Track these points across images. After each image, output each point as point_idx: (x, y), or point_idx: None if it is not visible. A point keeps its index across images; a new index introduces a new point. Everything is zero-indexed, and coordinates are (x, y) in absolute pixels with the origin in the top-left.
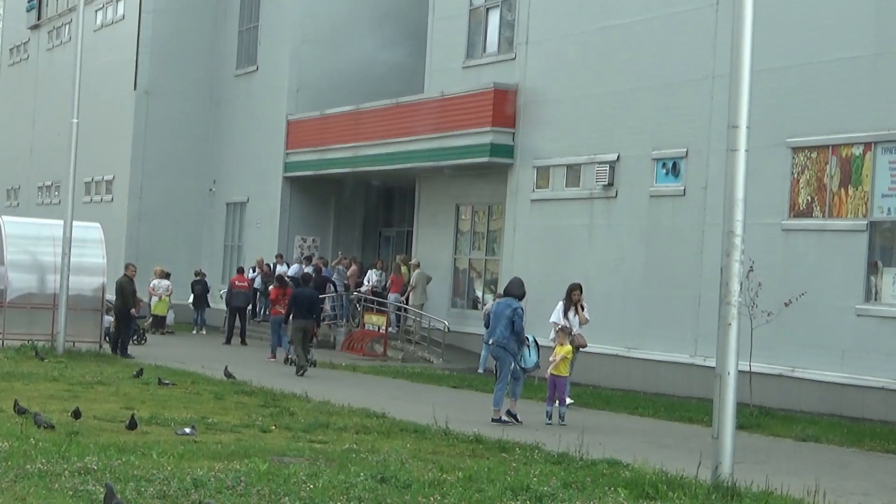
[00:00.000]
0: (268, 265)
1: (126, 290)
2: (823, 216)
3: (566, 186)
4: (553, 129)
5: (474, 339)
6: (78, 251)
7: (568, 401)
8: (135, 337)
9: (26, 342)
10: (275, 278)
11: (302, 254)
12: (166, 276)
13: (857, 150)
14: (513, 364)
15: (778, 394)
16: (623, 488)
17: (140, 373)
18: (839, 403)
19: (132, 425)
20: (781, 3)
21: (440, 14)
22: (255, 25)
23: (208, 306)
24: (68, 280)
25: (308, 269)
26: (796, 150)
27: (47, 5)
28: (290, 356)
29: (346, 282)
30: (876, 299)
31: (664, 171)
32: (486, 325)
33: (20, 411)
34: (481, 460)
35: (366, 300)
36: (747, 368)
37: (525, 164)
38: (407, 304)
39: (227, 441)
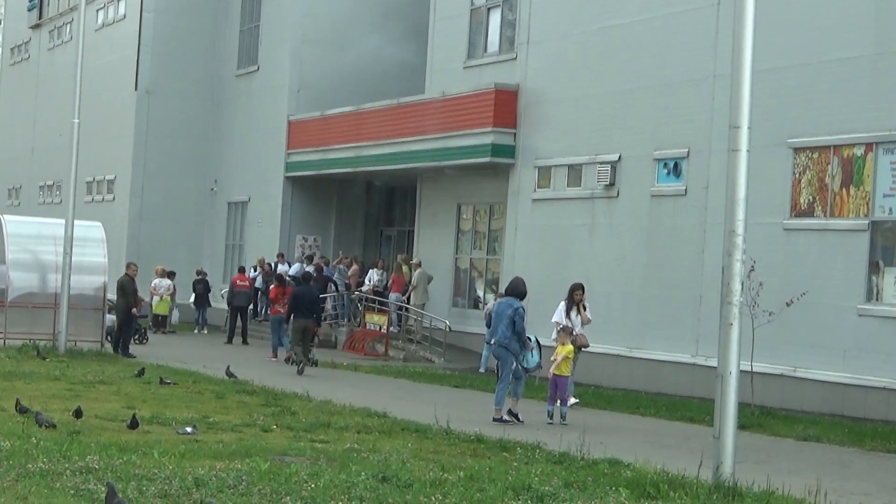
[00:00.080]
0: (269, 265)
1: (127, 289)
2: (825, 216)
3: (567, 186)
4: (554, 128)
5: (475, 338)
6: (79, 250)
7: (573, 400)
8: (136, 336)
9: (28, 341)
10: (274, 277)
11: (303, 253)
12: (171, 275)
13: (859, 151)
14: (514, 364)
15: (779, 393)
16: (624, 488)
17: (141, 372)
18: (840, 403)
19: (133, 424)
20: (782, 3)
21: (441, 14)
22: (255, 25)
23: (209, 306)
24: (70, 279)
25: (309, 269)
26: (797, 150)
27: (48, 5)
28: (290, 355)
29: (347, 281)
30: (877, 299)
31: (665, 171)
32: (488, 325)
33: (22, 410)
34: (483, 460)
35: (367, 300)
36: (749, 368)
37: (526, 163)
38: (408, 303)
39: (228, 440)
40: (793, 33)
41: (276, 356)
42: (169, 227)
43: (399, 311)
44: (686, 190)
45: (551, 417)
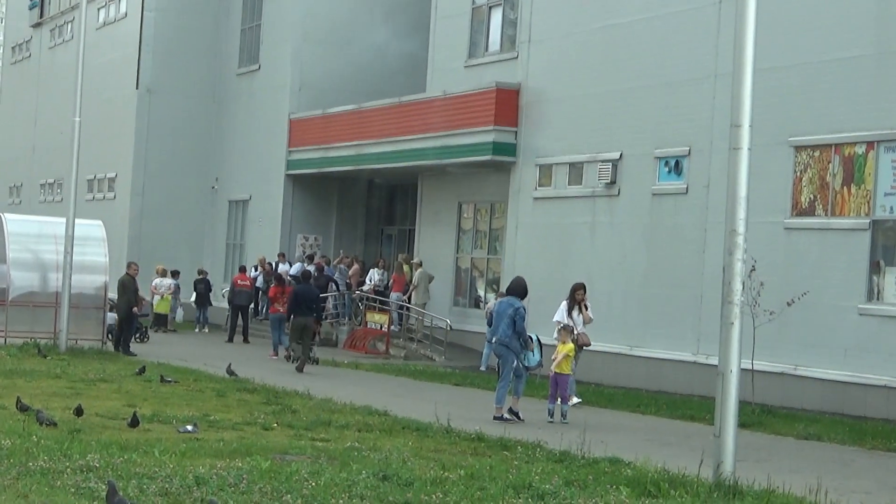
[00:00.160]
0: (270, 264)
1: (128, 288)
2: (826, 215)
3: (568, 185)
4: (555, 127)
5: (476, 337)
6: (80, 249)
7: (576, 400)
8: (137, 335)
9: (29, 340)
10: (273, 277)
11: (304, 252)
12: (175, 274)
13: (860, 149)
14: (515, 362)
15: (780, 392)
16: (625, 486)
17: (142, 370)
18: (841, 402)
19: (134, 423)
20: (784, 2)
21: (442, 13)
22: (257, 24)
23: (210, 305)
24: (70, 278)
25: (310, 268)
26: (799, 148)
27: (49, 3)
28: (289, 352)
29: (347, 281)
30: (878, 298)
31: (667, 169)
32: (489, 324)
33: (22, 409)
34: (483, 458)
35: (368, 299)
36: (749, 367)
37: (527, 162)
38: (409, 302)
39: (229, 439)
40: (794, 32)
41: (276, 354)
42: (170, 226)
43: (400, 311)
44: (687, 188)
45: (552, 416)
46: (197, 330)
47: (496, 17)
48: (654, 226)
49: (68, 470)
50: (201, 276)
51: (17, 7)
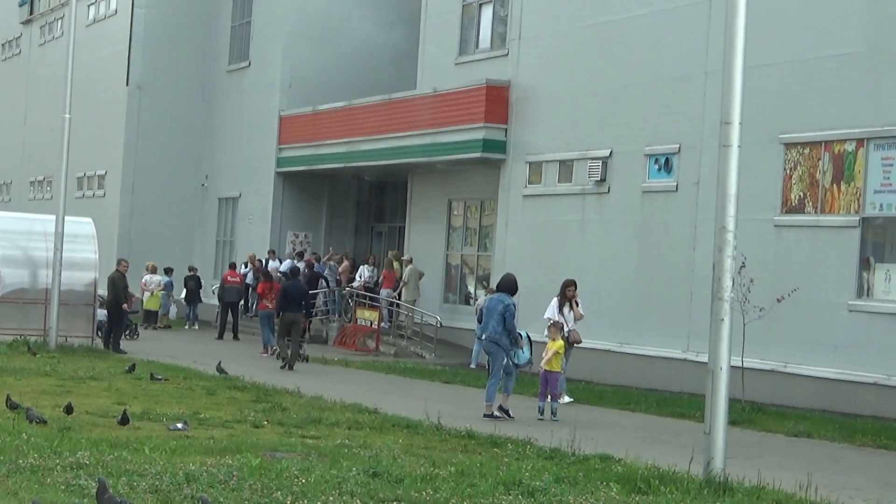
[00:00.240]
0: (260, 261)
1: (118, 285)
2: (816, 212)
3: (558, 182)
4: (546, 124)
5: (466, 334)
6: (70, 246)
7: (567, 399)
8: (127, 332)
9: (18, 337)
10: (260, 273)
11: (294, 249)
12: (168, 271)
13: (850, 147)
14: (505, 359)
15: (770, 389)
16: (615, 483)
17: (132, 368)
18: (831, 399)
19: (124, 420)
20: None
21: (433, 10)
22: (247, 21)
23: (200, 302)
24: (60, 275)
25: (300, 265)
26: (789, 146)
27: (39, 0)
28: (273, 349)
29: (338, 277)
30: (868, 295)
31: (657, 166)
32: (479, 321)
33: (12, 406)
34: (473, 455)
35: (358, 296)
36: (739, 364)
37: (517, 159)
38: (399, 299)
39: (219, 436)
40: (784, 29)
41: (266, 352)
42: (160, 223)
43: (390, 307)
44: (677, 186)
45: (542, 413)
46: (187, 327)
47: (487, 14)
48: (644, 223)
49: (58, 467)
50: (192, 274)
51: (6, 4)
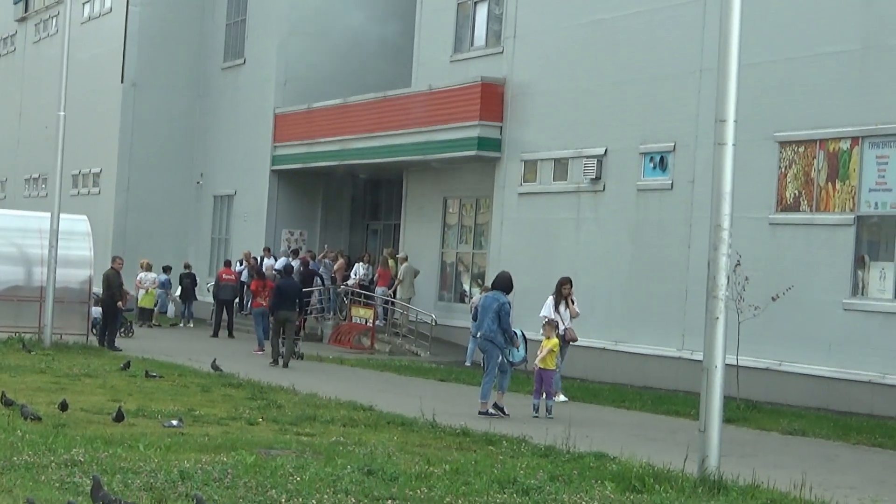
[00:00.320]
0: (255, 258)
1: (113, 282)
2: (811, 210)
3: (553, 180)
4: (540, 122)
5: (461, 332)
6: (65, 244)
7: (562, 398)
8: (122, 329)
9: (13, 334)
10: (254, 271)
11: (289, 247)
12: (167, 270)
13: (845, 145)
14: (500, 357)
15: (765, 387)
16: (610, 481)
17: (127, 365)
18: (826, 397)
19: (119, 417)
20: None
21: (428, 7)
22: (242, 18)
23: (196, 299)
24: (55, 273)
25: (295, 263)
26: (784, 144)
27: None
28: (263, 349)
29: (333, 275)
30: (863, 293)
31: (652, 164)
32: (474, 319)
33: (7, 403)
34: (468, 453)
35: (353, 293)
36: (734, 362)
37: (512, 157)
38: (394, 297)
39: (214, 433)
40: (779, 27)
41: (262, 349)
42: (155, 221)
43: (385, 305)
44: (672, 184)
45: (537, 411)
46: (182, 324)
47: (481, 12)
48: (639, 221)
49: (53, 464)
50: (187, 271)
51: (1, 1)
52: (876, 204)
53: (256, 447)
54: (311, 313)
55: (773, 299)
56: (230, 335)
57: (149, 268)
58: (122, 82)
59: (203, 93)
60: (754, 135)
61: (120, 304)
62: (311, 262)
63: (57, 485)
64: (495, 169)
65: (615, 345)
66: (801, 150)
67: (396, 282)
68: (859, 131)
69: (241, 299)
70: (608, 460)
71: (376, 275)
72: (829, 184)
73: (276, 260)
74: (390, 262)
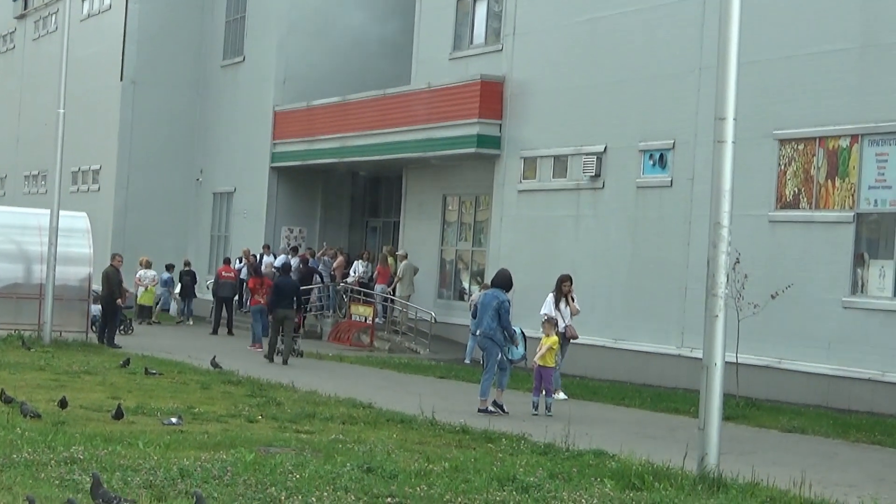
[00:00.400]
0: (254, 256)
1: (112, 279)
2: (810, 208)
3: (553, 177)
4: (540, 120)
5: (461, 329)
6: (64, 241)
7: (562, 396)
8: (121, 327)
9: (13, 332)
10: (252, 268)
11: (288, 244)
12: (170, 268)
13: (844, 143)
14: (499, 355)
15: (764, 385)
16: (609, 479)
17: (127, 362)
18: (825, 395)
19: (118, 415)
20: None
21: (427, 5)
22: (241, 16)
23: (195, 297)
24: (55, 270)
25: (294, 261)
26: (783, 141)
27: None
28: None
29: (332, 273)
30: (862, 291)
31: (651, 162)
32: (474, 316)
33: (6, 400)
34: (468, 451)
35: (352, 291)
36: (734, 360)
37: (512, 154)
38: (394, 294)
39: (213, 431)
40: (779, 25)
41: (260, 346)
42: (154, 218)
43: (384, 303)
44: (672, 181)
45: (536, 408)
46: (181, 321)
47: (481, 10)
48: (638, 219)
49: (52, 462)
50: (187, 269)
51: None
52: (875, 201)
53: (256, 445)
54: (310, 311)
55: (773, 297)
56: (229, 332)
57: (148, 265)
58: (121, 80)
59: (202, 90)
60: (754, 132)
61: (119, 301)
62: (310, 260)
63: (56, 482)
64: (495, 166)
65: (615, 342)
66: (801, 147)
67: (396, 279)
68: (859, 129)
69: (241, 297)
70: (607, 458)
71: (376, 272)
72: (829, 181)
73: (275, 257)
74: (390, 259)
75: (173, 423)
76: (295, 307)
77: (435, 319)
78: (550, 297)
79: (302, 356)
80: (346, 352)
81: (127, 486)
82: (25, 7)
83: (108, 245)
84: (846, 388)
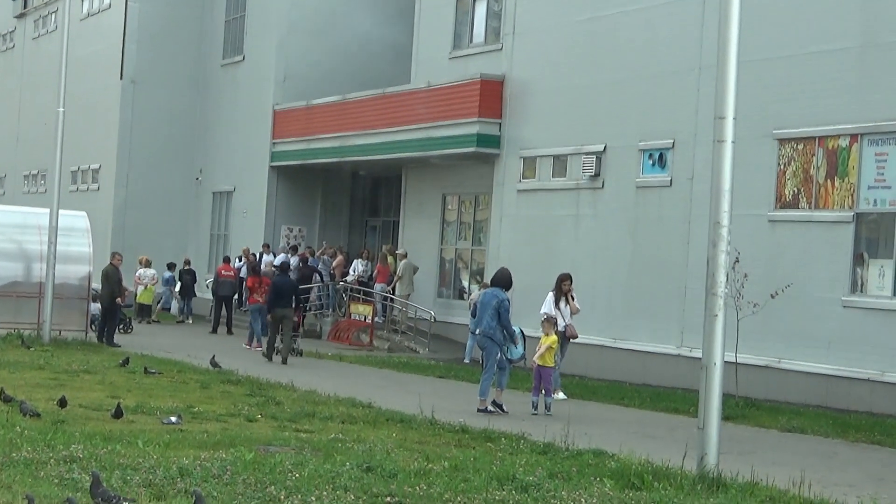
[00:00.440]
0: (253, 255)
1: (112, 278)
2: (810, 207)
3: (553, 177)
4: (540, 119)
5: (460, 329)
6: (64, 240)
7: (562, 396)
8: (121, 326)
9: (12, 331)
10: (250, 268)
11: (288, 243)
12: (172, 267)
13: (844, 142)
14: (499, 354)
15: (764, 385)
16: (609, 478)
17: (126, 361)
18: (825, 394)
19: (118, 414)
20: None
21: (427, 4)
22: (241, 15)
23: (195, 295)
24: (54, 269)
25: (293, 260)
26: (783, 141)
27: None
28: (261, 345)
29: (332, 271)
30: (862, 291)
31: (651, 161)
32: (473, 315)
33: (6, 399)
34: (467, 450)
35: (352, 290)
36: (733, 359)
37: (512, 154)
38: (393, 293)
39: (212, 430)
40: (779, 25)
41: (261, 345)
42: (154, 217)
43: (384, 302)
44: (671, 181)
45: (536, 408)
46: (180, 321)
47: (481, 9)
48: (638, 218)
49: (52, 461)
50: (187, 268)
51: None
52: (875, 201)
53: (255, 444)
54: (310, 310)
55: (773, 296)
56: (229, 332)
57: (148, 264)
58: (121, 79)
59: (202, 89)
60: (753, 132)
61: (119, 300)
62: (310, 259)
63: (56, 481)
64: (494, 166)
65: (614, 342)
66: (801, 147)
67: (395, 278)
68: (858, 128)
69: (240, 296)
70: (607, 457)
71: (375, 271)
72: (829, 181)
73: (275, 256)
74: (389, 258)
75: (173, 422)
76: (293, 306)
77: (434, 318)
78: (550, 297)
79: (301, 355)
80: (345, 351)
81: (126, 485)
82: (25, 6)
83: (107, 244)
84: (845, 388)
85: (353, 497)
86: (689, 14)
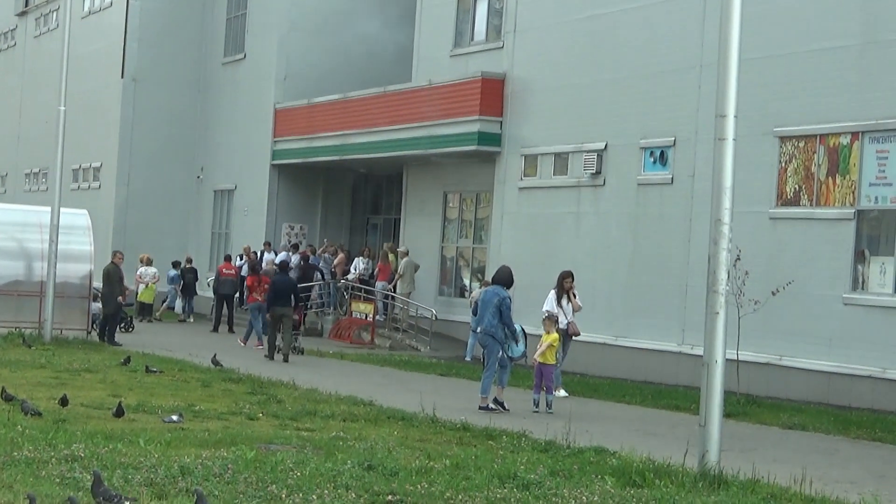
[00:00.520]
0: (254, 253)
1: (113, 277)
2: (811, 205)
3: (554, 174)
4: (541, 117)
5: (461, 327)
6: (65, 238)
7: (563, 393)
8: (122, 324)
9: (13, 329)
10: (249, 267)
11: (289, 241)
12: (176, 265)
13: (845, 140)
14: (500, 352)
15: (765, 382)
16: (610, 476)
17: (127, 360)
18: (826, 392)
19: (119, 413)
20: None
21: (428, 3)
22: (242, 13)
23: (196, 294)
24: (55, 267)
25: (294, 258)
26: (784, 139)
27: None
28: (262, 343)
29: (333, 270)
30: (863, 288)
31: (652, 159)
32: (474, 313)
33: (7, 398)
34: (468, 448)
35: (353, 288)
36: (734, 357)
37: (513, 152)
38: (394, 292)
39: (214, 428)
40: (779, 22)
41: (262, 344)
42: (155, 215)
43: (385, 300)
44: (672, 178)
45: (537, 406)
46: (183, 320)
47: (482, 7)
48: (639, 216)
49: (53, 460)
50: (188, 266)
51: None
52: (876, 198)
53: (257, 442)
54: (311, 308)
55: (774, 294)
56: (230, 330)
57: (149, 262)
58: (122, 77)
59: (203, 88)
60: (754, 130)
61: (120, 298)
62: (311, 257)
63: (57, 480)
64: (495, 163)
65: (615, 339)
66: (802, 144)
67: (396, 276)
68: (859, 126)
69: (241, 294)
70: (608, 455)
71: (376, 269)
72: (830, 178)
73: (276, 254)
74: (390, 256)
75: (174, 421)
76: (293, 305)
77: (436, 316)
78: (552, 294)
79: (303, 353)
80: (346, 349)
81: (128, 484)
82: (26, 4)
83: (108, 242)
84: (847, 385)
85: (354, 495)
86: (690, 12)
